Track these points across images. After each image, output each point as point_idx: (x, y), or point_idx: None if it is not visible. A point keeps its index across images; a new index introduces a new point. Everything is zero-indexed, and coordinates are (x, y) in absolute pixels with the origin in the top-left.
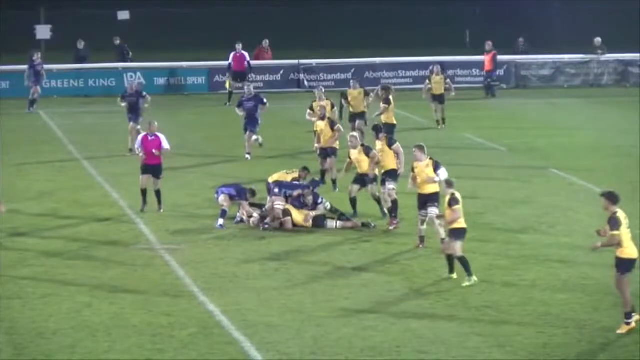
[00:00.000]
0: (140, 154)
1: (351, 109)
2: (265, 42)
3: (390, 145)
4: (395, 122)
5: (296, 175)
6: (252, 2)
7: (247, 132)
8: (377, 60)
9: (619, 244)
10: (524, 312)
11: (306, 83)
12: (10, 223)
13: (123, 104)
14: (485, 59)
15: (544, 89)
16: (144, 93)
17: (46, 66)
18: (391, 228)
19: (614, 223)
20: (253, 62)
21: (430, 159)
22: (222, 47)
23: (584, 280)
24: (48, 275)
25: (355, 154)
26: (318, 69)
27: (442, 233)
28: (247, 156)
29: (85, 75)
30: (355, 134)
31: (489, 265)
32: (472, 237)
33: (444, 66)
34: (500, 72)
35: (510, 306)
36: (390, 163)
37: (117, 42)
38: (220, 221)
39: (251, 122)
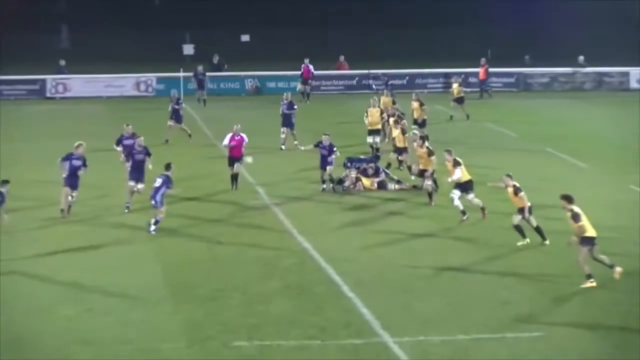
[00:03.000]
0: (227, 146)
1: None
2: (342, 58)
3: (429, 155)
4: (426, 117)
5: None
6: (342, 29)
7: (285, 128)
8: (425, 70)
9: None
10: None
11: (374, 87)
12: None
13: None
14: (480, 70)
15: (543, 92)
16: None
17: (187, 74)
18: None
19: (577, 218)
20: (335, 72)
21: (452, 159)
22: (315, 61)
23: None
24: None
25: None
26: (383, 77)
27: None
28: (282, 147)
29: (217, 81)
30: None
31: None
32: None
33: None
34: (511, 79)
35: None
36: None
37: (216, 59)
38: (324, 185)
39: (288, 122)
